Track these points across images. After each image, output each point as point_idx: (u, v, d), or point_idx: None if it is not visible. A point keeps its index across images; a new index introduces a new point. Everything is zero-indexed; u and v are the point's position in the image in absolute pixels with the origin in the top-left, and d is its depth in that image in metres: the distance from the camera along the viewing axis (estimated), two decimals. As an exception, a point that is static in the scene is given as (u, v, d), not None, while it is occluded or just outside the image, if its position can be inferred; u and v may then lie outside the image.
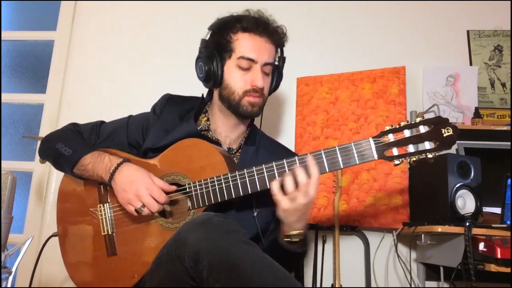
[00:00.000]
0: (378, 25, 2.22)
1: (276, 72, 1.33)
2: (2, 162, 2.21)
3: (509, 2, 2.18)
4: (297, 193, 1.05)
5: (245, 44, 1.24)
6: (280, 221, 1.15)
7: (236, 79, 1.25)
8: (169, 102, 1.36)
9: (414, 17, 2.22)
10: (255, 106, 1.26)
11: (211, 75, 1.26)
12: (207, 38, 1.30)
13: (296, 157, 1.10)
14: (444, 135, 1.01)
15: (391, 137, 1.04)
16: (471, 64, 2.14)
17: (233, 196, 1.14)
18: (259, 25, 1.25)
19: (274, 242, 1.22)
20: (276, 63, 1.33)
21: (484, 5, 2.20)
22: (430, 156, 1.02)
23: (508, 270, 1.35)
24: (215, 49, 1.27)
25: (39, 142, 2.19)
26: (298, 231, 1.13)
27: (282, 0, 2.25)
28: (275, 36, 1.28)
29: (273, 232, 1.29)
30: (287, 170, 1.09)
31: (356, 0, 2.25)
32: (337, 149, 1.07)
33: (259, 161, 1.23)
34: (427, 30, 2.20)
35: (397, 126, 1.04)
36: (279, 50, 1.34)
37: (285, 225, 1.14)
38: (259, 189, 1.12)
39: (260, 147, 1.32)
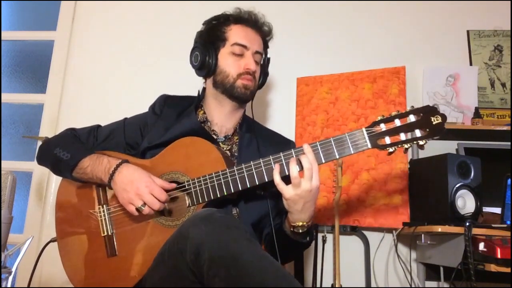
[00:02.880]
0: (378, 25, 2.23)
1: (262, 70, 1.40)
2: (2, 162, 2.21)
3: (509, 2, 2.18)
4: (301, 179, 1.07)
5: (238, 33, 1.34)
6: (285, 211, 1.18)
7: (230, 64, 1.32)
8: (167, 102, 1.39)
9: (414, 17, 2.22)
10: (248, 88, 1.33)
11: (205, 63, 1.33)
12: (202, 30, 1.39)
13: (292, 150, 1.12)
14: (434, 123, 1.04)
15: (383, 127, 1.08)
16: (471, 64, 2.14)
17: (232, 191, 1.15)
18: (250, 18, 1.36)
19: (279, 229, 1.23)
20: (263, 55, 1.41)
21: (484, 5, 2.21)
22: (421, 143, 1.05)
23: (508, 270, 1.35)
24: (209, 40, 1.35)
25: (39, 142, 2.21)
26: (302, 222, 1.15)
27: (282, 0, 2.26)
28: (264, 30, 1.39)
29: (273, 220, 1.29)
30: (284, 163, 1.12)
31: (356, 0, 2.25)
32: (332, 140, 1.10)
33: (258, 149, 1.30)
34: (427, 30, 2.20)
35: (388, 116, 1.08)
36: (265, 48, 1.42)
37: (290, 214, 1.16)
38: (257, 183, 1.14)
39: (256, 135, 1.36)
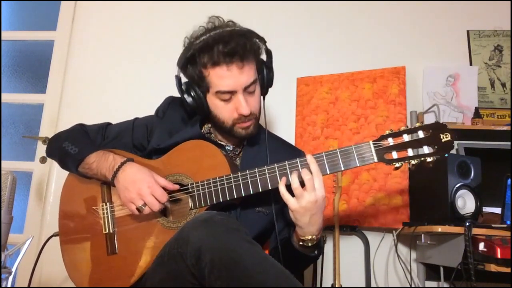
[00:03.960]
0: (378, 25, 2.23)
1: (264, 69, 1.25)
2: (2, 162, 2.21)
3: (509, 2, 2.18)
4: (302, 190, 1.06)
5: (219, 78, 1.17)
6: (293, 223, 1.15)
7: (221, 110, 1.21)
8: (172, 105, 1.37)
9: (414, 17, 2.23)
10: (249, 128, 1.23)
11: (197, 108, 1.23)
12: (179, 75, 1.24)
13: (298, 159, 1.11)
14: (443, 140, 1.03)
15: (390, 141, 1.07)
16: (471, 64, 2.14)
17: (235, 197, 1.15)
18: (226, 55, 1.14)
19: (287, 243, 1.21)
20: (263, 61, 1.26)
21: (484, 5, 2.21)
22: (429, 160, 1.04)
23: (508, 270, 1.35)
24: (191, 84, 1.22)
25: (39, 142, 2.21)
26: (311, 236, 1.13)
27: (282, 0, 2.26)
28: (247, 54, 1.17)
29: (280, 233, 1.27)
30: (288, 171, 1.10)
31: (356, 0, 2.26)
32: (338, 152, 1.09)
33: (262, 160, 1.25)
34: (427, 30, 2.20)
35: (396, 131, 1.07)
36: (260, 52, 1.26)
37: (298, 228, 1.13)
38: (260, 190, 1.13)
39: (263, 146, 1.31)
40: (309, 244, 1.14)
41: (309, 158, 1.08)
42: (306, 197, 1.05)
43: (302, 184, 1.07)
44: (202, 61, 1.17)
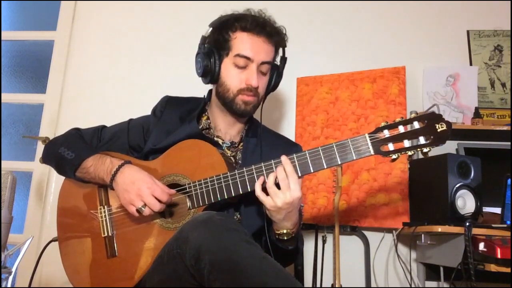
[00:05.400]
0: (378, 25, 2.23)
1: (275, 72, 1.34)
2: (2, 162, 2.21)
3: (509, 2, 2.18)
4: (277, 190, 1.07)
5: (243, 43, 1.25)
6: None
7: (232, 76, 1.26)
8: (169, 104, 1.37)
9: (414, 17, 2.22)
10: (249, 104, 1.28)
11: (208, 71, 1.28)
12: (207, 35, 1.31)
13: (294, 155, 1.11)
14: (438, 130, 1.03)
15: (386, 133, 1.07)
16: (471, 64, 2.14)
17: (233, 195, 1.15)
18: (258, 25, 1.26)
19: (268, 239, 1.23)
20: (276, 62, 1.35)
21: (484, 5, 2.21)
22: (425, 150, 1.04)
23: (508, 270, 1.35)
24: (213, 46, 1.28)
25: (39, 142, 2.21)
26: (286, 230, 1.15)
27: (283, 0, 2.25)
28: (274, 36, 1.29)
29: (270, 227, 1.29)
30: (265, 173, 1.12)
31: (356, 0, 2.25)
32: (334, 146, 1.10)
33: (262, 154, 1.28)
34: (427, 30, 2.20)
35: (392, 123, 1.07)
36: (280, 50, 1.35)
37: (273, 223, 1.16)
38: None
39: (262, 140, 1.33)
40: (285, 238, 1.17)
41: (284, 160, 1.09)
42: (281, 196, 1.07)
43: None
44: (233, 25, 1.26)
